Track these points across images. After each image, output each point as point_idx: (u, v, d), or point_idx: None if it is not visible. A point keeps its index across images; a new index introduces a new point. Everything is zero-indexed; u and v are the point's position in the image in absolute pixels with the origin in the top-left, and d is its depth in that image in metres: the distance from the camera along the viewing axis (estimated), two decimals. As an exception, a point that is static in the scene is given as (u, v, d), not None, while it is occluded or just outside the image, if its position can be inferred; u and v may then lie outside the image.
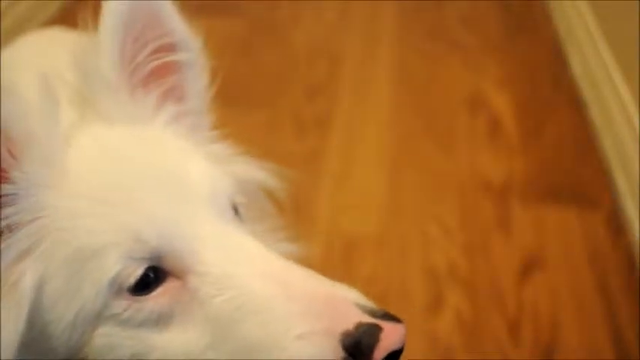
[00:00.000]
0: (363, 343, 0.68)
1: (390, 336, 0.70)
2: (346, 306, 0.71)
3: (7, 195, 0.72)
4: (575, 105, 2.63)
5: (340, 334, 0.69)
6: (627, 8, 2.27)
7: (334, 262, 1.92)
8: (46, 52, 1.35)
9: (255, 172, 0.94)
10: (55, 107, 0.76)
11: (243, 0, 3.26)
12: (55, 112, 0.76)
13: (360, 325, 0.69)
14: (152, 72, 0.86)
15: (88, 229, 0.72)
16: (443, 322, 1.79)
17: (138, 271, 0.71)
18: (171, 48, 0.87)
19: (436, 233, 2.06)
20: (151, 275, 0.72)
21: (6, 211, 0.72)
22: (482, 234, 2.06)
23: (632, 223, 2.03)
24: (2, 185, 0.72)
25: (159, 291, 0.72)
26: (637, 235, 1.98)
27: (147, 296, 0.72)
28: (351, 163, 2.34)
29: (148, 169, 0.76)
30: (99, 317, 0.72)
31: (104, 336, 0.72)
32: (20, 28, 2.77)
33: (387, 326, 0.70)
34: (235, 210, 0.81)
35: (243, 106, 2.52)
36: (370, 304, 0.73)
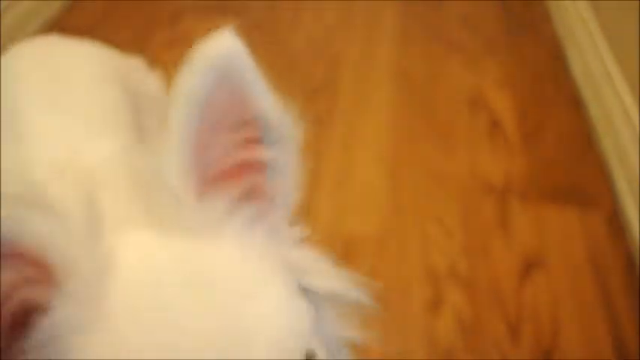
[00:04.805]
0: None
1: None
2: None
3: (35, 339, 0.57)
4: (575, 105, 2.63)
5: None
6: (627, 8, 2.27)
7: (334, 262, 1.92)
8: (45, 62, 1.31)
9: (345, 287, 0.77)
10: (98, 227, 0.60)
11: (243, 0, 3.26)
12: (99, 233, 0.60)
13: None
14: (230, 168, 0.67)
15: None
16: (443, 322, 1.79)
17: None
18: (257, 140, 0.68)
19: (436, 233, 2.06)
20: None
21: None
22: (482, 234, 2.06)
23: (632, 223, 2.03)
24: (31, 328, 0.58)
25: None
26: (637, 235, 1.98)
27: None
28: (351, 163, 2.34)
29: (203, 322, 0.59)
30: None
31: None
32: (20, 28, 2.77)
33: None
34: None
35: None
36: None
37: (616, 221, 2.11)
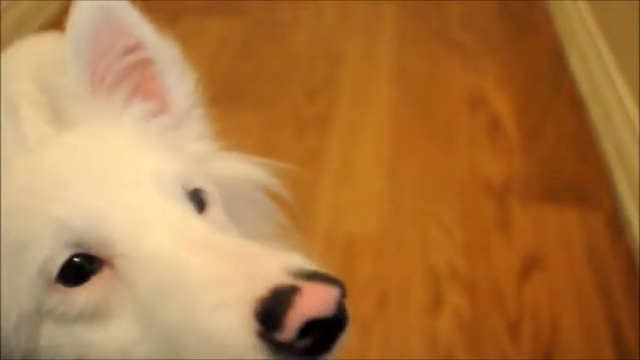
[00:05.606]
0: (273, 309, 0.56)
1: (310, 300, 0.56)
2: (268, 270, 0.59)
3: None
4: (575, 105, 2.63)
5: (254, 302, 0.57)
6: (627, 8, 2.27)
7: (334, 262, 1.92)
8: (39, 61, 1.32)
9: (247, 168, 0.90)
10: (13, 113, 0.82)
11: (243, 0, 3.26)
12: (13, 118, 0.81)
13: (275, 289, 0.57)
14: (122, 76, 0.86)
15: (19, 224, 0.70)
16: (443, 322, 1.79)
17: (63, 258, 0.68)
18: (136, 48, 0.88)
19: (436, 233, 2.06)
20: (87, 266, 0.69)
21: None
22: (483, 234, 2.06)
23: (632, 223, 2.03)
24: None
25: (93, 281, 0.68)
26: (637, 235, 1.98)
27: (79, 287, 0.68)
28: (351, 163, 2.34)
29: (88, 164, 0.74)
30: (38, 315, 0.69)
31: (47, 337, 0.70)
32: (20, 28, 2.77)
33: (308, 288, 0.57)
34: (199, 199, 0.77)
35: (243, 106, 2.52)
36: (305, 265, 0.60)
37: (616, 221, 2.11)
